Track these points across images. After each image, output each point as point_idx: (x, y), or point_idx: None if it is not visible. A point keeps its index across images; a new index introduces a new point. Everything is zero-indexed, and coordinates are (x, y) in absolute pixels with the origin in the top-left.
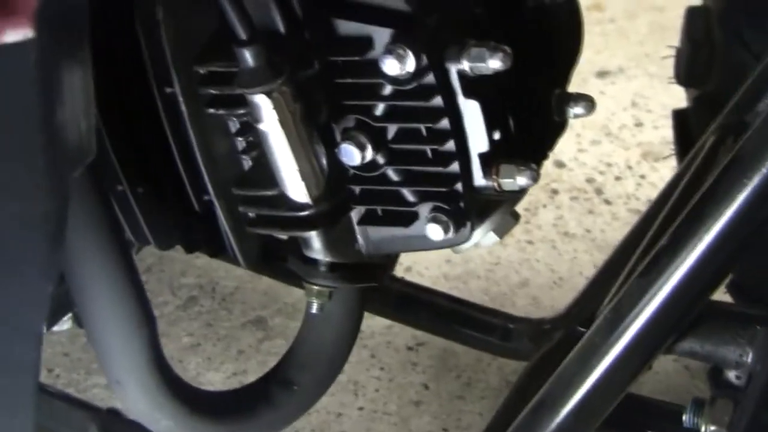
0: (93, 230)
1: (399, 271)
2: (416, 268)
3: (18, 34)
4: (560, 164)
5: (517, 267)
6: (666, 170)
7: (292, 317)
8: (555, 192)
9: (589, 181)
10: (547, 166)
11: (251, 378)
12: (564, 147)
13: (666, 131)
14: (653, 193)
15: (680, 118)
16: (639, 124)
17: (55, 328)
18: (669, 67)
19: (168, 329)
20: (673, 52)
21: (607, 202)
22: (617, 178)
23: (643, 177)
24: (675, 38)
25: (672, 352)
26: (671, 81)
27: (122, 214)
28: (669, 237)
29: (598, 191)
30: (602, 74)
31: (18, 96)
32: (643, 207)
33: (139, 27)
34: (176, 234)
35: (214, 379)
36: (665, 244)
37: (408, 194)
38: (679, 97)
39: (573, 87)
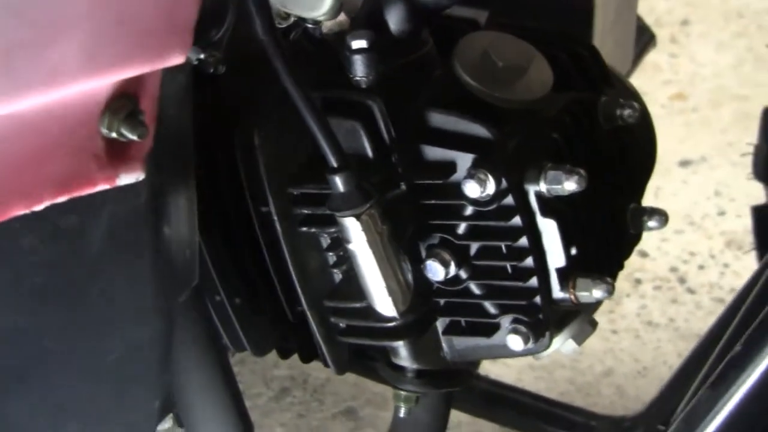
0: (194, 341)
1: (486, 361)
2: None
3: (131, 177)
4: (643, 254)
5: (602, 356)
6: (750, 259)
7: (381, 407)
8: (638, 281)
9: (673, 270)
10: (631, 255)
11: None
12: (647, 236)
13: (749, 220)
14: (737, 282)
15: (759, 214)
16: (722, 213)
17: (159, 428)
18: (747, 155)
19: (261, 420)
20: (752, 148)
21: (691, 291)
22: (700, 267)
23: (726, 266)
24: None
25: None
26: (750, 177)
27: (220, 323)
28: (742, 345)
29: (682, 280)
30: (685, 163)
31: (130, 231)
32: (727, 296)
33: (237, 151)
34: (271, 341)
35: None
36: (738, 352)
37: (489, 307)
38: (762, 187)
39: (655, 176)
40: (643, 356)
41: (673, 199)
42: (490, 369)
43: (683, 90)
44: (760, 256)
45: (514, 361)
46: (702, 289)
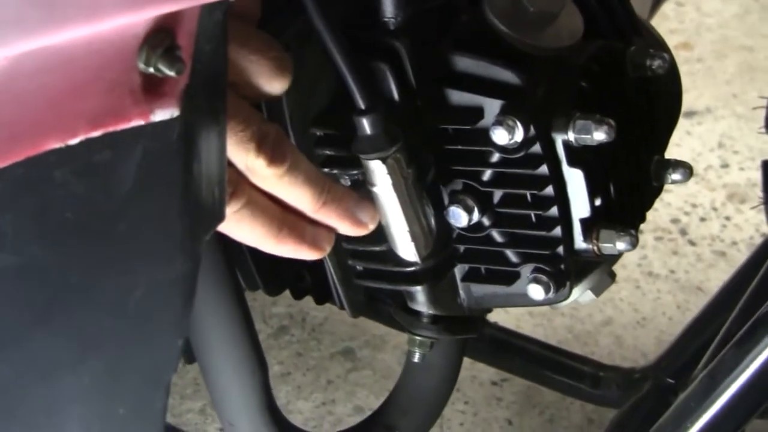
0: (213, 278)
1: None
2: None
3: (165, 113)
4: None
5: (601, 306)
6: (751, 213)
7: (379, 349)
8: (639, 232)
9: (674, 221)
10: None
11: (339, 408)
12: None
13: (752, 173)
14: (738, 235)
15: None
16: (725, 165)
17: None
18: (758, 108)
19: None
20: (763, 102)
21: (692, 243)
22: (702, 219)
23: (728, 219)
24: (763, 79)
25: (766, 417)
26: (761, 130)
27: (235, 262)
28: None
29: (683, 232)
30: (689, 114)
31: (162, 169)
32: (728, 249)
33: None
34: (286, 281)
35: (304, 407)
36: (764, 313)
37: (511, 255)
38: (765, 139)
39: None
40: (643, 307)
41: (677, 150)
42: (488, 315)
43: (689, 40)
44: None
45: (513, 309)
46: (703, 242)
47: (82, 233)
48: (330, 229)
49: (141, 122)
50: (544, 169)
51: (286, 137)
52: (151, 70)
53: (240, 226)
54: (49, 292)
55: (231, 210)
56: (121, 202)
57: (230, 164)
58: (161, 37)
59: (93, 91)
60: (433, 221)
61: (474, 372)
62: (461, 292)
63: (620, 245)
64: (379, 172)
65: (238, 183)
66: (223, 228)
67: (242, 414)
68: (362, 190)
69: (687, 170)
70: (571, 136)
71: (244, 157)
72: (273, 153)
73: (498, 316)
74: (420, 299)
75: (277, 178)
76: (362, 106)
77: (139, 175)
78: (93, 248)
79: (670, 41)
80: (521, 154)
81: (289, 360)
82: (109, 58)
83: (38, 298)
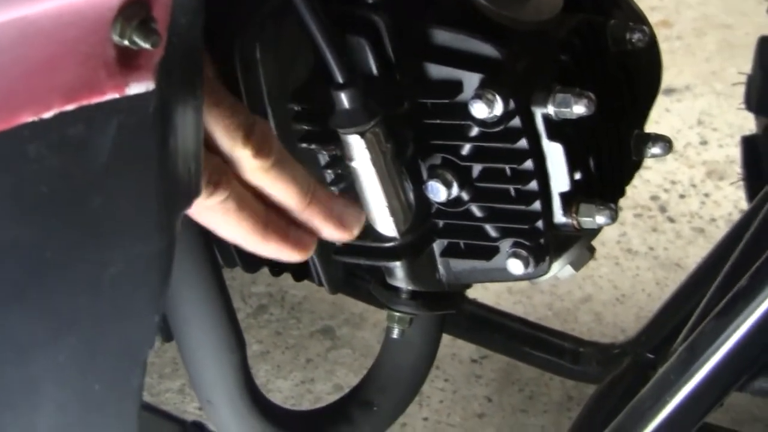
0: (190, 255)
1: None
2: None
3: (141, 86)
4: None
5: (581, 282)
6: (730, 189)
7: (358, 327)
8: (619, 208)
9: (654, 198)
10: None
11: (319, 386)
12: None
13: (731, 150)
14: (717, 212)
15: (750, 145)
16: (704, 143)
17: None
18: (736, 86)
19: None
20: (743, 78)
21: (671, 219)
22: (681, 196)
23: (707, 195)
24: (743, 56)
25: (744, 390)
26: (741, 107)
27: (213, 238)
28: (748, 279)
29: (662, 209)
30: (668, 91)
31: (137, 143)
32: (707, 226)
33: (237, 63)
34: (263, 258)
35: (283, 386)
36: (743, 286)
37: (490, 230)
38: (744, 116)
39: None
40: (622, 283)
41: (656, 127)
42: (467, 292)
43: (668, 17)
44: (748, 188)
45: (493, 285)
46: (682, 218)
47: (57, 208)
48: (313, 233)
49: (116, 95)
50: (523, 143)
51: (272, 132)
52: (126, 42)
53: (226, 220)
54: (23, 268)
55: (217, 200)
56: (96, 176)
57: (216, 153)
58: (136, 9)
59: (67, 64)
60: (411, 196)
61: (454, 349)
62: (440, 267)
63: (600, 219)
64: (357, 147)
65: (224, 172)
66: (209, 222)
67: (220, 392)
68: (349, 195)
69: (666, 144)
70: (550, 109)
71: (231, 147)
72: (260, 144)
73: (477, 293)
74: (399, 275)
75: (263, 171)
76: (340, 80)
77: (115, 150)
78: (68, 223)
79: (650, 19)
80: (500, 128)
81: (269, 339)
82: (83, 31)
83: (12, 274)
